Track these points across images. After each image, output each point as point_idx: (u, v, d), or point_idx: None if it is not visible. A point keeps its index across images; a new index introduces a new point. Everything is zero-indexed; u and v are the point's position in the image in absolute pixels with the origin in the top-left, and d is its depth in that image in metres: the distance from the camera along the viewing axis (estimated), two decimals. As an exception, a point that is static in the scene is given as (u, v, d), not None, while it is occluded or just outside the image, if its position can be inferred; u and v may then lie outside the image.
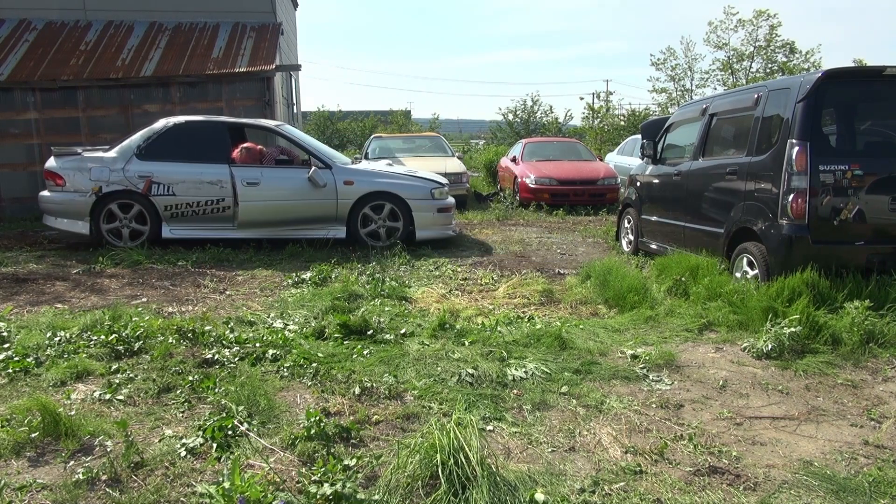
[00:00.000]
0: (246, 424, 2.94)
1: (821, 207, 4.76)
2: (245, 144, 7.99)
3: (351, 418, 3.08)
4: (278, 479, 2.51)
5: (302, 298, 5.32)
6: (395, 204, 7.77)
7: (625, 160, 13.92)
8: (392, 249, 7.31)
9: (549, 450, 2.82)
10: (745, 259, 5.26)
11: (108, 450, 2.72)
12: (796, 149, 4.77)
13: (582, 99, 72.24)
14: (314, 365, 3.72)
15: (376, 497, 2.36)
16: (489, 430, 2.97)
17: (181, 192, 7.49)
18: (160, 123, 7.82)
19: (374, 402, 3.29)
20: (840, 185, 4.74)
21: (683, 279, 5.27)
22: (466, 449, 2.40)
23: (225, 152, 7.73)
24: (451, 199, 8.32)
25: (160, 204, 7.48)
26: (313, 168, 7.63)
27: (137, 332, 4.12)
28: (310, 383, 3.53)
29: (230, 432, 2.85)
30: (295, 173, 7.74)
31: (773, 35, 23.81)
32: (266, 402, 3.17)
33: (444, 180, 8.56)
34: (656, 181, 7.16)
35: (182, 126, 7.80)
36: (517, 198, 12.52)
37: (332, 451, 2.74)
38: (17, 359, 3.75)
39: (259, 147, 8.12)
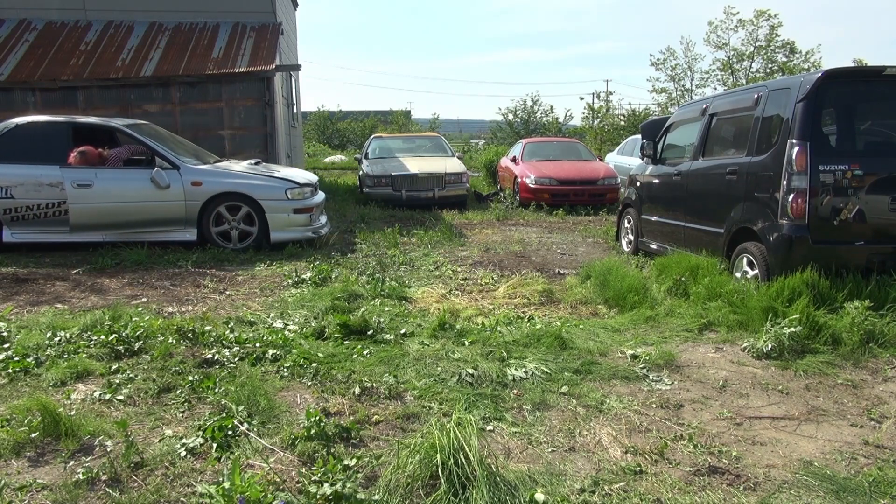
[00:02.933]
0: (246, 424, 2.94)
1: (821, 207, 4.76)
2: (81, 148, 7.74)
3: (351, 418, 3.08)
4: (278, 479, 2.51)
5: (302, 298, 5.32)
6: (249, 205, 7.46)
7: (625, 160, 13.91)
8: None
9: (549, 450, 2.82)
10: (745, 259, 5.26)
11: (108, 450, 2.72)
12: (796, 149, 4.77)
13: (582, 99, 72.44)
14: (314, 365, 3.72)
15: (376, 497, 2.36)
16: (489, 430, 2.97)
17: (20, 194, 7.24)
18: (2, 125, 7.60)
19: (374, 402, 3.29)
20: (840, 185, 4.74)
21: (683, 279, 5.27)
22: (466, 449, 2.40)
23: (63, 153, 7.45)
24: (313, 200, 7.91)
25: None
26: (156, 168, 7.38)
27: (137, 332, 4.12)
28: (310, 383, 3.53)
29: (230, 432, 2.85)
30: (137, 174, 7.46)
31: (774, 35, 23.86)
32: (266, 402, 3.17)
33: (310, 179, 8.20)
34: (656, 181, 7.16)
35: (25, 127, 7.57)
36: (517, 198, 12.53)
37: (332, 451, 2.74)
38: (17, 359, 3.75)
39: (98, 150, 7.87)
